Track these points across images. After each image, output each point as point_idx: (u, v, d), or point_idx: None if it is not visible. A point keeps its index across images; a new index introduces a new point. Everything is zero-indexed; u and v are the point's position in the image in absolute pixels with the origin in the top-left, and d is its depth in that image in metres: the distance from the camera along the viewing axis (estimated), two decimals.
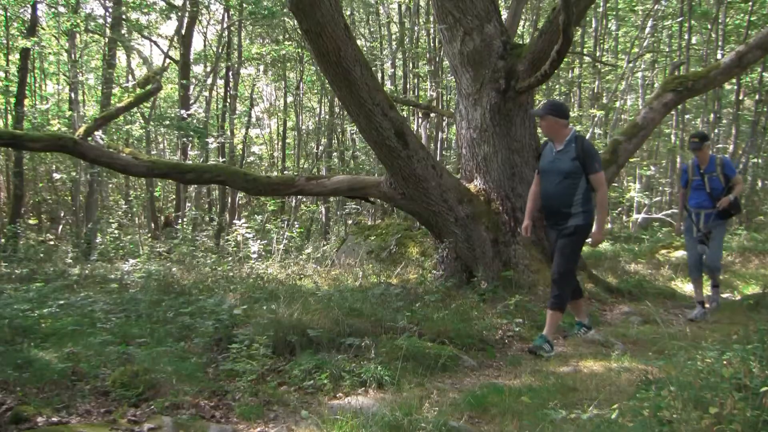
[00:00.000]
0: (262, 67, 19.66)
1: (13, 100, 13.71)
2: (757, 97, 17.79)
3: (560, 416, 3.22)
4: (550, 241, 5.25)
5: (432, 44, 15.79)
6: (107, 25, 14.77)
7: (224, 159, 16.45)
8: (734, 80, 15.96)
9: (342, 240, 11.92)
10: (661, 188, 19.64)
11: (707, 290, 6.95)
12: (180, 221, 13.90)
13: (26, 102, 14.52)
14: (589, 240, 4.98)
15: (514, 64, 7.21)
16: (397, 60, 18.14)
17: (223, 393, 3.85)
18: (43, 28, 15.46)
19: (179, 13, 15.11)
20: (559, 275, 4.89)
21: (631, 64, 16.22)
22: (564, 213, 4.85)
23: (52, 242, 12.94)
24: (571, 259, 4.91)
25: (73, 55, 15.97)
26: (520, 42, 9.30)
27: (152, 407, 3.49)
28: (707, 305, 6.65)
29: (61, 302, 5.45)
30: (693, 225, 6.53)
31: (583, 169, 4.78)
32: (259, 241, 9.96)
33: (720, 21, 16.82)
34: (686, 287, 8.93)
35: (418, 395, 3.87)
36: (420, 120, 15.89)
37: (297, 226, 13.66)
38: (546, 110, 4.97)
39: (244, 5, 15.45)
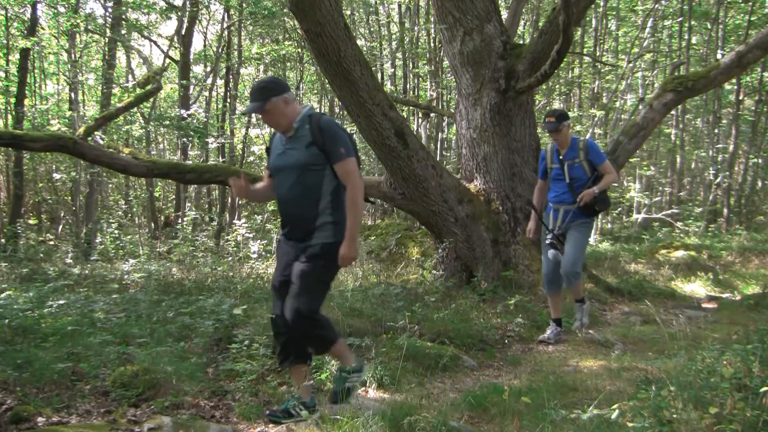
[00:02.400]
0: (262, 67, 19.65)
1: (13, 100, 13.70)
2: (757, 97, 17.79)
3: (560, 416, 3.22)
4: (279, 263, 3.49)
5: (432, 44, 15.79)
6: (107, 25, 14.76)
7: (224, 159, 16.44)
8: (734, 80, 15.96)
9: None
10: (661, 188, 19.63)
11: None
12: (180, 221, 13.89)
13: (26, 102, 14.51)
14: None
15: (514, 64, 7.21)
16: (397, 60, 18.13)
17: (223, 393, 3.85)
18: (43, 28, 15.46)
19: (179, 13, 15.11)
20: (298, 319, 3.23)
21: (631, 64, 16.22)
22: (305, 226, 3.30)
23: (52, 242, 12.95)
24: (314, 293, 3.28)
25: (73, 55, 15.96)
26: (520, 42, 9.31)
27: (152, 407, 3.49)
28: (575, 322, 5.53)
29: (61, 302, 5.44)
30: (547, 226, 5.29)
31: (326, 157, 3.26)
32: (259, 241, 9.96)
33: (720, 21, 16.82)
34: (686, 287, 8.94)
35: (418, 395, 3.87)
36: (420, 120, 15.88)
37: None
38: (263, 93, 3.31)
39: (244, 5, 15.45)
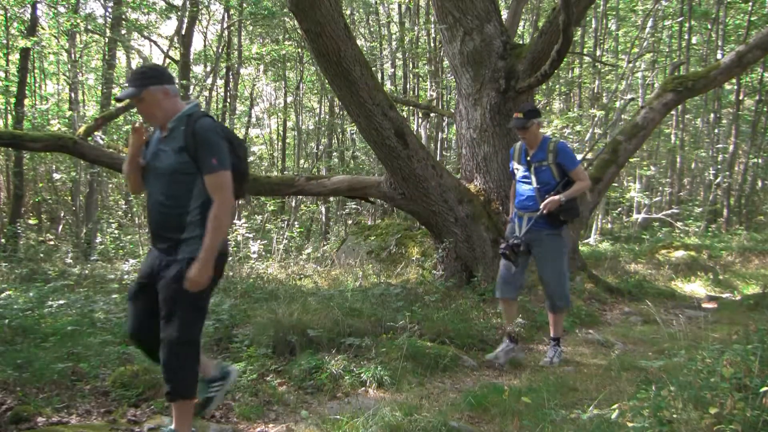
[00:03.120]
0: (262, 67, 19.66)
1: (13, 100, 13.71)
2: (757, 97, 17.79)
3: (560, 416, 3.22)
4: (142, 267, 3.12)
5: (432, 44, 15.79)
6: (107, 25, 14.77)
7: None
8: (734, 80, 15.96)
9: (342, 240, 11.92)
10: (661, 188, 19.63)
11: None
12: None
13: (26, 102, 14.51)
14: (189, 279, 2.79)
15: (514, 64, 7.21)
16: (397, 60, 18.13)
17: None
18: (43, 28, 15.46)
19: (179, 13, 15.11)
20: (170, 351, 2.87)
21: (631, 64, 16.22)
22: (170, 236, 2.90)
23: (52, 242, 12.95)
24: (188, 320, 2.89)
25: (73, 55, 15.97)
26: (520, 42, 9.31)
27: (152, 407, 3.49)
28: (545, 358, 4.82)
29: (61, 302, 5.44)
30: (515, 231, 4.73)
31: (196, 165, 2.84)
32: (259, 241, 9.96)
33: (720, 21, 16.82)
34: (686, 287, 8.95)
35: (418, 395, 3.88)
36: (420, 120, 15.89)
37: (297, 226, 13.66)
38: (142, 79, 2.91)
39: (244, 5, 15.45)
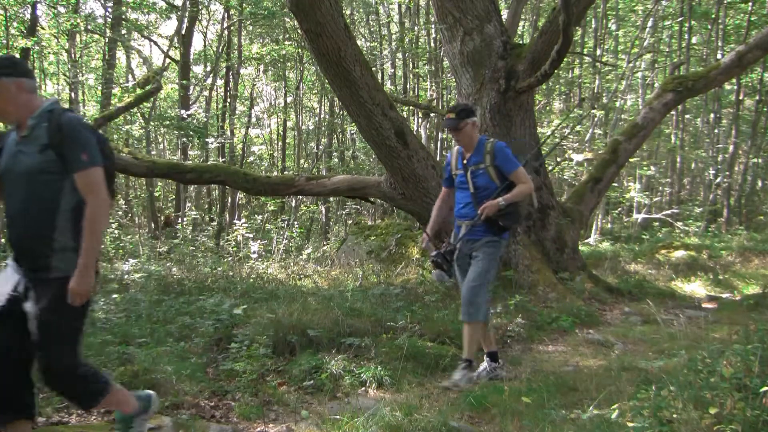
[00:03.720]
0: (262, 67, 19.66)
1: None
2: (757, 97, 17.80)
3: (560, 416, 3.22)
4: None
5: (432, 44, 15.80)
6: (107, 25, 14.77)
7: (224, 159, 16.44)
8: (734, 80, 15.96)
9: (342, 240, 11.92)
10: (661, 188, 19.63)
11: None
12: (180, 221, 13.90)
13: None
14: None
15: (514, 64, 7.22)
16: (397, 60, 18.14)
17: (223, 393, 3.85)
18: (43, 28, 15.45)
19: (179, 13, 15.11)
20: (54, 378, 2.54)
21: (631, 64, 16.23)
22: (37, 249, 2.52)
23: None
24: (67, 343, 2.55)
25: (73, 55, 15.97)
26: (520, 42, 9.31)
27: None
28: (478, 370, 4.32)
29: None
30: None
31: (63, 163, 2.50)
32: (259, 241, 9.96)
33: (720, 21, 16.82)
34: (686, 287, 8.95)
35: (418, 395, 3.88)
36: (420, 120, 15.89)
37: (297, 226, 13.66)
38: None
39: (244, 5, 15.45)
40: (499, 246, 4.16)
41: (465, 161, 4.21)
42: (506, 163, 4.12)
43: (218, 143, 16.06)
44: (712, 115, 17.90)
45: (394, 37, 17.83)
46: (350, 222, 16.04)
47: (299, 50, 17.43)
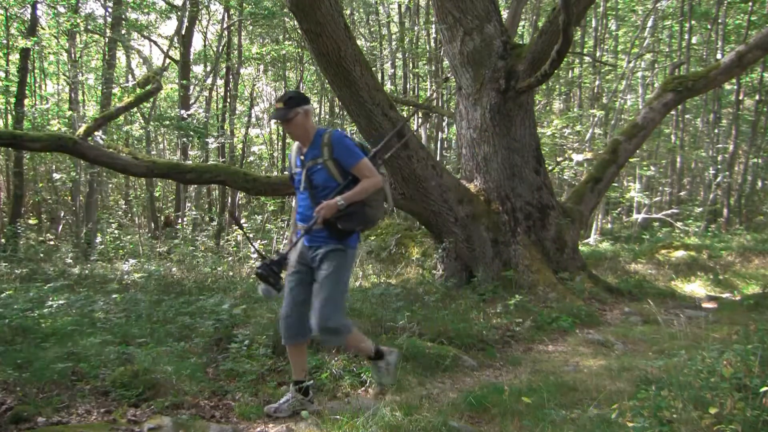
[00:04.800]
0: (262, 67, 19.66)
1: (13, 100, 13.70)
2: (757, 97, 17.80)
3: (560, 416, 3.22)
4: None
5: (432, 44, 15.80)
6: (107, 25, 14.77)
7: (224, 159, 16.45)
8: (734, 80, 15.96)
9: None
10: (661, 188, 19.64)
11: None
12: (180, 221, 13.90)
13: (26, 102, 14.51)
14: None
15: (514, 64, 7.22)
16: (397, 60, 18.13)
17: (223, 393, 3.85)
18: (43, 28, 15.46)
19: (179, 13, 15.11)
20: None
21: (631, 64, 16.23)
22: None
23: (52, 242, 12.95)
24: None
25: (73, 55, 15.97)
26: (520, 42, 9.31)
27: (152, 407, 3.49)
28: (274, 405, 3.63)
29: (61, 302, 5.44)
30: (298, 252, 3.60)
31: None
32: (259, 241, 9.96)
33: (720, 21, 16.82)
34: (686, 287, 8.95)
35: (418, 395, 3.87)
36: (420, 120, 15.89)
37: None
38: None
39: (244, 5, 15.46)
40: (344, 254, 3.48)
41: (302, 157, 3.56)
42: (346, 155, 3.46)
43: (218, 143, 16.07)
44: (712, 115, 17.90)
45: (394, 37, 17.83)
46: None
47: (299, 50, 17.43)
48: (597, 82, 17.21)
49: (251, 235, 10.26)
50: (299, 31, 7.08)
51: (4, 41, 14.36)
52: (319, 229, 3.43)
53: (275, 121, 3.73)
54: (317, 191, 3.48)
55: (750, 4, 16.12)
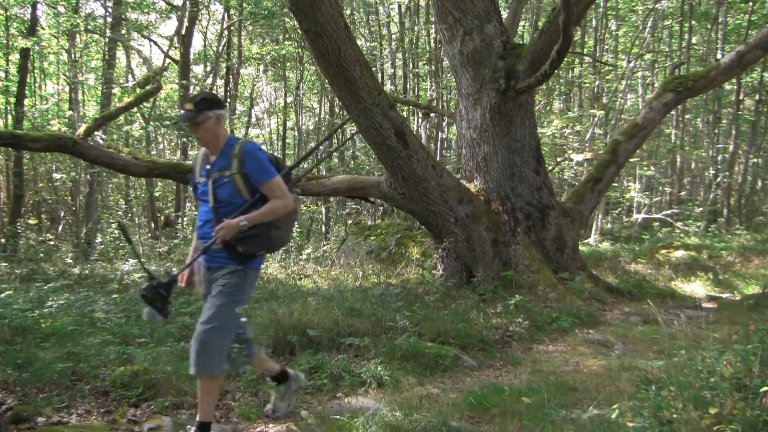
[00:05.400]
0: (262, 67, 19.66)
1: (13, 100, 13.71)
2: (757, 97, 17.80)
3: (560, 416, 3.22)
4: None
5: (432, 44, 15.80)
6: (107, 25, 14.77)
7: None
8: (734, 80, 15.96)
9: (342, 240, 11.92)
10: (661, 188, 19.64)
11: None
12: (180, 221, 13.90)
13: (26, 102, 14.51)
14: None
15: (514, 64, 7.22)
16: (397, 60, 18.13)
17: (223, 393, 3.85)
18: (43, 28, 15.46)
19: (179, 13, 15.11)
20: None
21: (631, 64, 16.23)
22: None
23: (52, 242, 12.95)
24: None
25: (73, 55, 15.97)
26: (520, 42, 9.31)
27: (152, 407, 3.49)
28: (267, 405, 3.60)
29: (61, 302, 5.45)
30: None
31: None
32: None
33: (720, 21, 16.83)
34: (686, 287, 8.95)
35: (418, 395, 3.87)
36: (420, 120, 15.89)
37: (297, 226, 13.65)
38: None
39: (244, 5, 15.46)
40: (244, 277, 3.15)
41: (209, 166, 3.19)
42: (257, 170, 3.10)
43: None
44: (712, 115, 17.90)
45: (394, 37, 17.83)
46: (350, 222, 16.04)
47: (299, 50, 17.43)
48: (597, 82, 17.21)
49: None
50: (299, 31, 7.08)
51: (4, 41, 14.36)
52: (218, 249, 3.08)
53: (182, 124, 3.31)
54: (220, 206, 3.13)
55: (750, 4, 16.12)
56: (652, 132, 9.38)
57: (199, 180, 3.26)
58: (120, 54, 17.68)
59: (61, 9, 14.12)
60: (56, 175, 16.10)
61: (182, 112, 3.22)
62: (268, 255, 3.46)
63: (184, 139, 14.99)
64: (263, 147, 3.23)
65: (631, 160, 10.87)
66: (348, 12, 17.24)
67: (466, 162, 7.75)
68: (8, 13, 13.85)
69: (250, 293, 3.28)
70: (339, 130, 18.85)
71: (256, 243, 3.11)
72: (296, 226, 3.29)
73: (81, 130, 8.35)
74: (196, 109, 3.12)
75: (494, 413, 3.53)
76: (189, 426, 3.14)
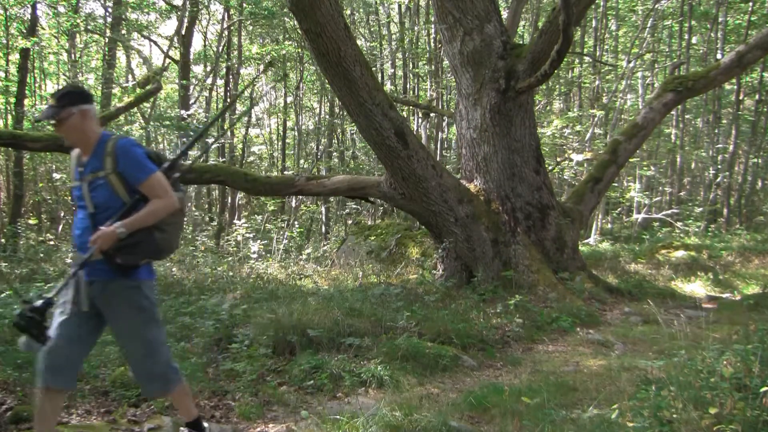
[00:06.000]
0: (261, 67, 19.66)
1: (13, 100, 13.71)
2: (757, 97, 17.80)
3: (560, 416, 3.22)
4: None
5: (432, 44, 15.80)
6: (107, 25, 14.77)
7: (224, 159, 16.45)
8: (734, 80, 15.96)
9: (342, 240, 11.92)
10: (661, 188, 19.64)
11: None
12: None
13: (26, 102, 14.51)
14: None
15: (514, 64, 7.22)
16: (397, 60, 18.13)
17: (223, 393, 3.85)
18: (43, 28, 15.46)
19: (179, 13, 15.12)
20: None
21: (631, 64, 16.22)
22: None
23: (52, 242, 12.94)
24: None
25: (73, 55, 15.98)
26: (520, 42, 9.31)
27: (152, 407, 3.49)
28: None
29: (62, 302, 5.43)
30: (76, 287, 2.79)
31: None
32: (259, 241, 9.97)
33: (720, 21, 16.83)
34: (686, 287, 8.94)
35: (418, 395, 3.87)
36: (420, 120, 15.89)
37: (297, 226, 13.66)
38: None
39: (244, 5, 15.46)
40: (140, 292, 2.79)
41: (81, 168, 2.83)
42: (133, 168, 2.76)
43: (218, 143, 16.07)
44: (712, 115, 17.90)
45: (394, 37, 17.83)
46: (350, 222, 16.04)
47: (299, 50, 17.43)
48: (597, 82, 17.20)
49: (251, 235, 10.26)
50: (299, 31, 7.08)
51: (4, 41, 14.36)
52: (99, 260, 2.70)
53: (46, 121, 2.86)
54: (99, 211, 2.76)
55: (750, 4, 16.12)
56: (652, 132, 9.38)
57: (74, 184, 2.88)
58: (120, 54, 17.68)
59: (61, 9, 14.12)
60: (56, 175, 16.09)
61: (44, 108, 2.85)
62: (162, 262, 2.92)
63: (184, 140, 14.99)
64: (138, 142, 2.86)
65: (631, 160, 10.87)
66: (348, 12, 17.24)
67: (466, 162, 7.75)
68: (8, 13, 13.85)
69: (156, 302, 2.90)
70: (340, 131, 18.85)
71: (139, 251, 2.75)
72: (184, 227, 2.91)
73: None
74: (57, 105, 2.77)
75: (494, 413, 3.53)
76: (182, 429, 3.11)
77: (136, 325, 2.79)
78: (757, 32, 11.87)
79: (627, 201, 17.50)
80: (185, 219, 2.89)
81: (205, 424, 3.09)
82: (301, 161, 19.60)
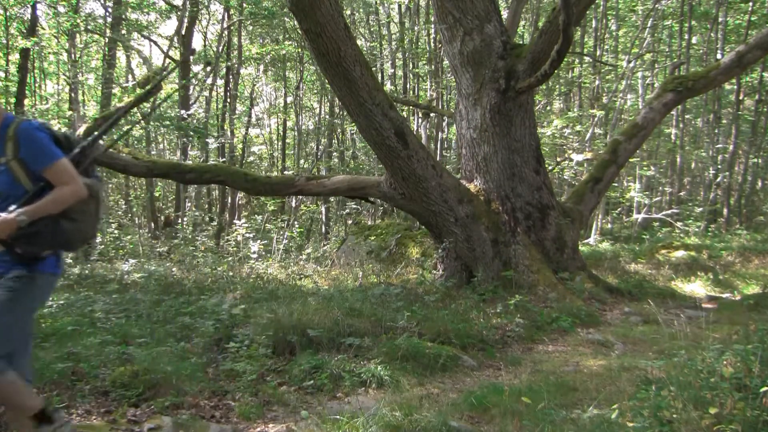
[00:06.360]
0: (262, 67, 19.66)
1: (13, 100, 13.70)
2: (757, 97, 17.79)
3: (560, 416, 3.22)
4: None
5: (432, 44, 15.80)
6: (107, 25, 14.77)
7: (224, 159, 16.45)
8: (734, 80, 15.96)
9: (342, 240, 11.92)
10: (661, 188, 19.63)
11: None
12: (180, 221, 13.90)
13: (26, 102, 14.51)
14: None
15: (514, 64, 7.22)
16: (397, 60, 18.13)
17: (223, 393, 3.85)
18: (43, 28, 15.46)
19: (179, 13, 15.11)
20: None
21: (631, 64, 16.22)
22: None
23: None
24: None
25: (73, 55, 15.96)
26: (520, 42, 9.31)
27: (152, 407, 3.49)
28: None
29: (61, 302, 5.45)
30: None
31: None
32: (259, 241, 9.97)
33: (720, 21, 16.82)
34: (686, 287, 8.95)
35: (418, 395, 3.87)
36: (420, 120, 15.89)
37: (297, 226, 13.66)
38: None
39: (244, 5, 15.46)
40: (28, 284, 2.59)
41: None
42: (36, 154, 2.58)
43: (218, 143, 16.07)
44: (712, 115, 17.90)
45: (394, 37, 17.83)
46: (350, 222, 16.04)
47: (299, 50, 17.43)
48: (597, 82, 17.20)
49: (251, 235, 10.26)
50: (299, 31, 7.09)
51: (4, 41, 14.36)
52: (1, 251, 2.55)
53: None
54: (0, 199, 2.59)
55: (750, 4, 16.12)
56: (652, 132, 9.38)
57: None
58: (120, 54, 17.67)
59: (61, 9, 14.12)
60: None
61: None
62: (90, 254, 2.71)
63: (184, 139, 14.99)
64: (43, 126, 2.67)
65: (631, 160, 10.87)
66: (348, 12, 17.24)
67: (466, 162, 7.75)
68: (8, 13, 13.84)
69: (40, 303, 2.73)
70: (340, 131, 18.85)
71: (40, 241, 2.57)
72: (102, 216, 2.80)
73: (81, 130, 8.35)
74: None
75: (494, 413, 3.53)
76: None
77: (3, 308, 2.49)
78: (757, 32, 11.87)
79: (627, 201, 17.50)
80: (101, 207, 2.76)
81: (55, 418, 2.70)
82: (301, 161, 19.60)
